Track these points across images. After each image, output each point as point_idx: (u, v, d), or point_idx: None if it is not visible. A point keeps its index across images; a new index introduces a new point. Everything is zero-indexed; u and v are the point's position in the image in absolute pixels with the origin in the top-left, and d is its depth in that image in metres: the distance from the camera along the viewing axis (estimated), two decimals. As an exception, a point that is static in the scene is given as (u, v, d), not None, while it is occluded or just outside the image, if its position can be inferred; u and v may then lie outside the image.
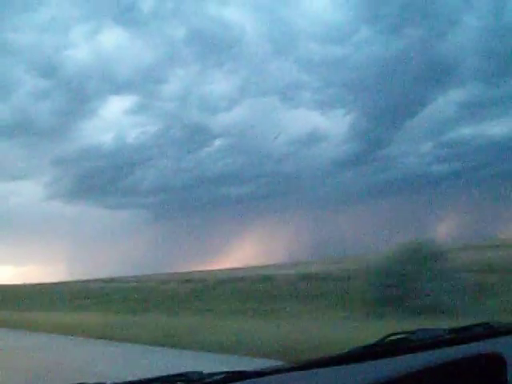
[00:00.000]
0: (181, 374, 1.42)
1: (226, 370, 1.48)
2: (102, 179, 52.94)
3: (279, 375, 1.47)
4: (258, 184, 52.40)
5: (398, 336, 1.59)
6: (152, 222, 53.57)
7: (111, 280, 32.85)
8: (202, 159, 51.96)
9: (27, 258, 50.50)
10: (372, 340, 1.57)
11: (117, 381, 1.46)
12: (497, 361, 1.38)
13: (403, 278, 11.68)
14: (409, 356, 1.46)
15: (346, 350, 1.54)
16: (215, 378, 1.41)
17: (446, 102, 46.46)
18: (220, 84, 52.34)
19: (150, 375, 1.45)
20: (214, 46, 51.11)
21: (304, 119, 50.29)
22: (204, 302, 18.26)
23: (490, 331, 1.60)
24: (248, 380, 1.41)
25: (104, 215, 53.77)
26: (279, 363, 1.78)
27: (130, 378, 1.44)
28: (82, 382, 1.44)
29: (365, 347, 1.55)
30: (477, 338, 1.55)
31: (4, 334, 15.59)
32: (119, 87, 56.35)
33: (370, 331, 7.41)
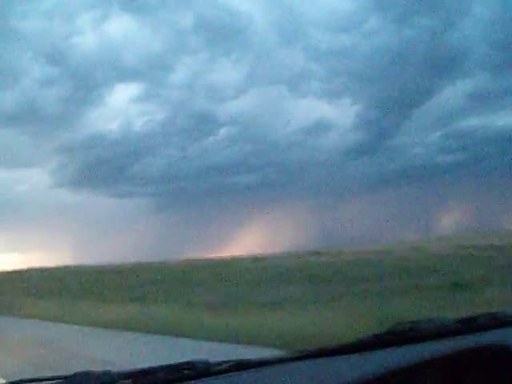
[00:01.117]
0: (187, 363, 1.43)
1: (229, 358, 1.48)
2: (107, 167, 53.21)
3: (286, 364, 1.47)
4: (265, 173, 52.47)
5: (405, 325, 1.58)
6: (157, 210, 53.84)
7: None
8: (208, 147, 51.99)
9: (32, 245, 50.92)
10: (379, 329, 1.57)
11: (122, 369, 1.46)
12: (503, 351, 1.38)
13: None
14: (415, 346, 1.46)
15: (353, 340, 1.54)
16: (222, 366, 1.41)
17: (454, 92, 46.23)
18: (227, 72, 52.37)
19: (154, 364, 1.46)
20: (221, 35, 51.07)
21: (311, 108, 50.20)
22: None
23: (497, 322, 1.60)
24: (254, 369, 1.41)
25: (109, 203, 54.02)
26: (282, 352, 1.78)
27: (135, 367, 1.44)
28: (87, 370, 1.45)
29: (371, 336, 1.55)
30: (484, 328, 1.55)
31: (8, 322, 15.72)
32: (126, 75, 56.51)
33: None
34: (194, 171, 52.31)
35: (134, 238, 45.83)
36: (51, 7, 50.55)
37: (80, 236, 47.53)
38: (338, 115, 49.78)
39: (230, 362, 1.44)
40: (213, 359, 1.48)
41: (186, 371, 1.39)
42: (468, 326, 1.59)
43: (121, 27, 52.17)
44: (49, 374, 1.44)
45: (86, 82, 51.17)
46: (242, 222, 46.24)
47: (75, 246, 45.44)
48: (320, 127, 50.88)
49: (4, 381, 5.28)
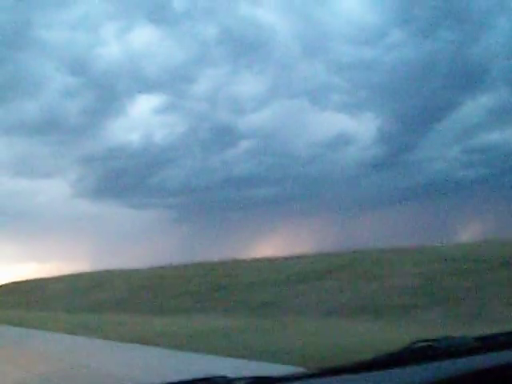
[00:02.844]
0: (206, 379, 1.43)
1: (247, 374, 1.49)
2: (127, 178, 53.58)
3: (303, 381, 1.47)
4: (284, 186, 52.39)
5: (423, 344, 1.57)
6: (176, 222, 53.93)
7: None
8: (228, 160, 52.21)
9: (51, 254, 51.45)
10: (397, 347, 1.56)
11: None
12: None
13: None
14: (433, 364, 1.45)
15: (370, 357, 1.54)
16: (240, 382, 1.42)
17: (475, 106, 45.83)
18: (249, 85, 52.52)
19: (171, 379, 1.46)
20: (244, 47, 51.40)
21: (332, 121, 50.19)
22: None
23: None
24: None
25: (129, 214, 54.40)
26: (300, 369, 1.77)
27: (152, 382, 1.45)
28: None
29: (389, 354, 1.54)
30: (503, 346, 1.53)
31: (20, 333, 15.80)
32: (148, 86, 56.99)
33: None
34: (213, 184, 52.44)
35: (152, 247, 45.94)
36: (75, 17, 51.46)
37: (98, 246, 47.90)
38: (359, 129, 49.62)
39: (248, 378, 1.44)
40: (231, 375, 1.49)
41: None
42: (487, 344, 1.57)
43: (144, 38, 52.86)
44: None
45: (108, 92, 51.94)
46: (260, 235, 46.03)
47: (93, 256, 45.79)
48: (341, 140, 50.73)
49: None
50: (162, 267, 27.49)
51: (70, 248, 50.35)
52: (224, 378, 1.44)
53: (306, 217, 49.43)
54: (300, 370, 1.60)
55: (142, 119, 55.52)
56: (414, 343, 1.58)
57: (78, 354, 10.63)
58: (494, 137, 46.28)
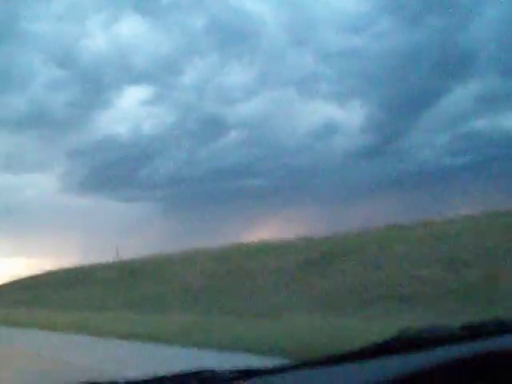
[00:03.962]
0: (194, 372, 1.43)
1: (234, 367, 1.49)
2: (116, 171, 53.08)
3: (292, 372, 1.47)
4: (273, 176, 52.27)
5: (409, 332, 1.58)
6: (166, 214, 53.58)
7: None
8: (217, 151, 51.92)
9: (39, 249, 51.00)
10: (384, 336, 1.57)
11: (129, 379, 1.46)
12: (510, 358, 1.38)
13: None
14: (419, 353, 1.46)
15: (358, 347, 1.54)
16: (229, 375, 1.42)
17: (463, 93, 46.10)
18: (237, 75, 52.21)
19: (158, 373, 1.46)
20: (232, 37, 51.03)
21: (321, 111, 50.14)
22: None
23: (503, 328, 1.59)
24: (261, 377, 1.42)
25: (117, 207, 54.00)
26: (288, 361, 1.78)
27: (141, 376, 1.45)
28: (93, 380, 1.45)
29: (376, 344, 1.55)
30: (490, 334, 1.55)
31: (11, 332, 15.71)
32: (136, 77, 56.50)
33: None
34: (202, 175, 52.16)
35: (143, 238, 45.68)
36: (62, 9, 50.68)
37: (87, 240, 47.57)
38: (348, 117, 49.70)
39: (237, 370, 1.44)
40: (220, 368, 1.49)
41: (192, 380, 1.40)
42: (473, 332, 1.59)
43: (131, 29, 52.27)
44: None
45: (95, 84, 51.34)
46: (249, 225, 46.02)
47: (82, 250, 45.51)
48: (329, 129, 50.81)
49: None
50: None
51: (58, 242, 50.00)
52: (212, 370, 1.44)
53: (296, 206, 49.45)
54: (287, 361, 1.61)
55: (130, 111, 55.11)
56: (400, 332, 1.59)
57: (65, 351, 10.61)
58: (482, 123, 46.73)
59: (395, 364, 1.39)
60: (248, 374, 1.43)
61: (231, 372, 1.44)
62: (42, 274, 33.18)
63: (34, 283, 31.35)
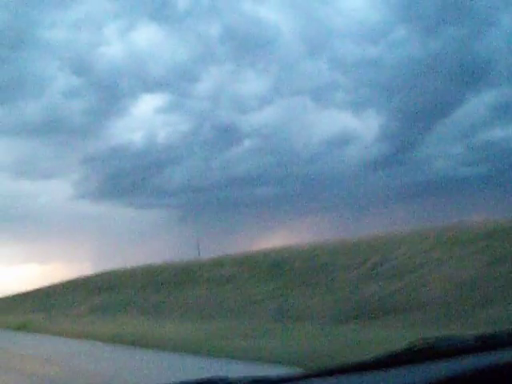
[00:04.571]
0: (207, 380, 1.43)
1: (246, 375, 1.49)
2: (130, 178, 53.35)
3: (303, 381, 1.47)
4: (287, 185, 52.24)
5: (424, 343, 1.57)
6: (179, 222, 53.65)
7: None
8: (230, 159, 52.05)
9: (52, 255, 51.33)
10: (397, 347, 1.56)
11: None
12: None
13: None
14: (434, 364, 1.44)
15: (371, 357, 1.53)
16: (240, 383, 1.42)
17: (478, 103, 45.80)
18: (252, 83, 52.35)
19: (172, 381, 1.46)
20: (247, 45, 51.22)
21: (335, 120, 50.12)
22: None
23: None
24: None
25: (131, 214, 54.18)
26: (302, 369, 1.77)
27: None
28: None
29: (389, 354, 1.54)
30: (504, 345, 1.53)
31: (25, 338, 15.79)
32: (151, 85, 56.88)
33: None
34: (216, 183, 52.29)
35: (156, 245, 45.78)
36: (78, 17, 51.29)
37: (100, 246, 47.77)
38: (362, 127, 49.60)
39: (248, 378, 1.44)
40: (232, 376, 1.49)
41: None
42: (488, 343, 1.57)
43: (148, 37, 52.68)
44: None
45: (111, 92, 51.78)
46: (262, 233, 45.94)
47: (95, 256, 45.68)
48: (343, 138, 50.74)
49: None
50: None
51: (72, 249, 50.28)
52: (225, 378, 1.44)
53: (309, 215, 49.31)
54: (299, 370, 1.60)
55: (145, 119, 55.47)
56: (415, 342, 1.58)
57: (78, 358, 10.62)
58: (498, 134, 46.32)
59: (408, 375, 1.38)
60: (259, 382, 1.43)
61: (243, 379, 1.44)
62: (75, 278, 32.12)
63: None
